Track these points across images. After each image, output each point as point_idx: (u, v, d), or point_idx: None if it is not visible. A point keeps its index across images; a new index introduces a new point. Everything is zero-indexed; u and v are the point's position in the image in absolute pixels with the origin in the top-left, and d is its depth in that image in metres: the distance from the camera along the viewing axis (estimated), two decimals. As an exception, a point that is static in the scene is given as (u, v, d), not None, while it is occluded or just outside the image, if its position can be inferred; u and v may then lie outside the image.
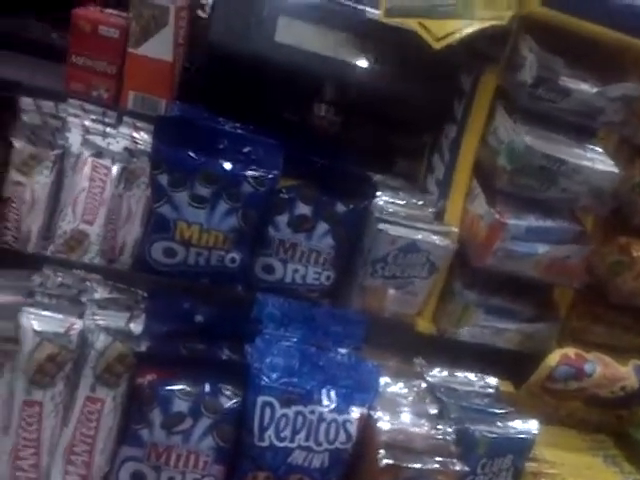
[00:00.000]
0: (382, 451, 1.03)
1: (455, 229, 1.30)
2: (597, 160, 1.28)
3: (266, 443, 1.05)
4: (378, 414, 1.09)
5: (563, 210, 1.32)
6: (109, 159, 1.21)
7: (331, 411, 1.07)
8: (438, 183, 1.38)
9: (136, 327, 1.08)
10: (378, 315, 1.30)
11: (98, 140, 1.22)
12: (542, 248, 1.27)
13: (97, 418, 1.04)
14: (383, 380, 1.16)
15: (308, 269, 1.26)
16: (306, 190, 1.25)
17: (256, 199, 1.20)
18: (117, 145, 1.22)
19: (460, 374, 1.25)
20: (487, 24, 1.19)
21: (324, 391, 1.08)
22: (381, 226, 1.25)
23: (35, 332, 1.02)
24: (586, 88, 1.24)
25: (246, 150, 1.21)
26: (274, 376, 1.07)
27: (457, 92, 1.37)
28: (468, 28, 1.19)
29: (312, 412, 1.06)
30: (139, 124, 1.26)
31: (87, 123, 1.23)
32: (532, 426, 1.15)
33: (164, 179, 1.17)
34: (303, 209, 1.24)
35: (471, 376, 1.25)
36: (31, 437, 1.02)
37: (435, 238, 1.27)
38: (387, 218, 1.26)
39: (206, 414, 1.04)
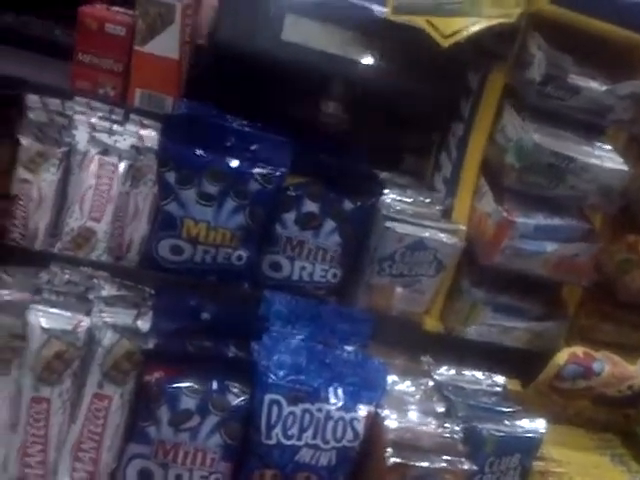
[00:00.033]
0: (390, 449, 1.03)
1: (463, 227, 1.30)
2: (606, 158, 1.28)
3: (273, 441, 1.04)
4: (385, 412, 1.08)
5: (571, 208, 1.32)
6: (116, 157, 1.21)
7: (338, 409, 1.07)
8: (445, 181, 1.37)
9: (143, 324, 1.08)
10: (385, 313, 1.30)
11: (105, 138, 1.21)
12: (550, 246, 1.26)
13: (104, 415, 1.04)
14: (390, 378, 1.16)
15: (315, 267, 1.26)
16: (313, 188, 1.24)
17: (263, 197, 1.19)
18: (124, 143, 1.22)
19: (467, 372, 1.25)
20: (495, 22, 1.18)
21: (331, 389, 1.08)
22: (388, 224, 1.24)
23: (43, 329, 1.02)
24: (595, 86, 1.23)
25: (253, 148, 1.20)
26: (281, 374, 1.07)
27: (464, 90, 1.36)
28: (476, 26, 1.19)
29: (319, 410, 1.06)
30: (146, 122, 1.26)
31: (94, 121, 1.23)
32: (540, 425, 1.15)
33: (171, 177, 1.17)
34: (310, 207, 1.24)
35: (478, 374, 1.25)
36: (39, 434, 1.02)
37: (442, 236, 1.26)
38: (394, 216, 1.26)
39: (214, 412, 1.04)
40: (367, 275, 1.29)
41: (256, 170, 1.19)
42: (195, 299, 1.14)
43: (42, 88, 1.23)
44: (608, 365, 1.27)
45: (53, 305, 1.05)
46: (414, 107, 1.36)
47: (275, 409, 1.05)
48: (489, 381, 1.24)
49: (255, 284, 1.24)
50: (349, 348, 1.17)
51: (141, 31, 1.28)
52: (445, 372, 1.24)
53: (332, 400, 1.07)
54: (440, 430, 1.09)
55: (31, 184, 1.17)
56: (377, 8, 1.31)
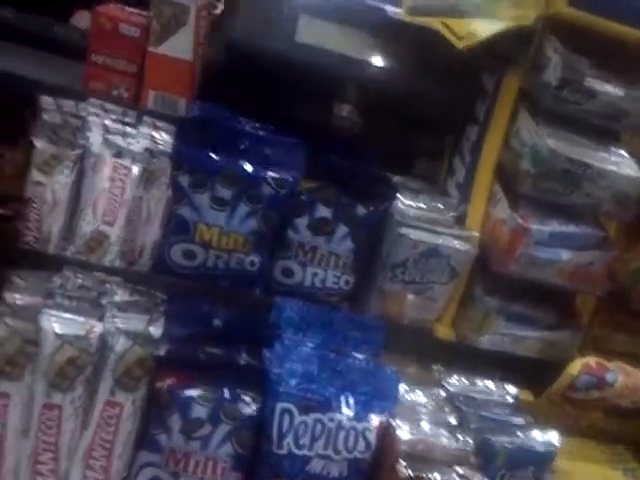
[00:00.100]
0: (402, 461, 1.03)
1: (476, 234, 1.28)
2: (622, 164, 1.26)
3: (284, 451, 1.04)
4: (397, 423, 1.08)
5: (586, 215, 1.31)
6: (129, 159, 1.20)
7: (350, 419, 1.06)
8: (459, 186, 1.36)
9: (155, 330, 1.08)
10: (397, 320, 1.29)
11: (119, 140, 1.20)
12: (565, 254, 1.25)
13: (116, 422, 1.04)
14: (402, 387, 1.15)
15: (327, 273, 1.25)
16: (326, 192, 1.24)
17: (276, 201, 1.19)
18: (137, 145, 1.21)
19: (479, 382, 1.24)
20: (512, 24, 1.17)
21: (343, 398, 1.08)
22: (402, 230, 1.23)
23: (56, 335, 1.02)
24: (612, 90, 1.22)
25: (267, 151, 1.20)
26: (293, 382, 1.06)
27: (479, 93, 1.35)
28: (492, 28, 1.17)
29: (331, 420, 1.06)
30: (159, 124, 1.25)
31: (107, 123, 1.22)
32: (553, 438, 1.14)
33: (185, 180, 1.16)
34: (323, 212, 1.23)
35: (490, 384, 1.24)
36: (50, 441, 1.02)
37: (456, 243, 1.25)
38: (408, 222, 1.25)
39: (225, 420, 1.04)
40: (379, 281, 1.28)
41: (269, 174, 1.18)
42: (207, 305, 1.14)
43: (56, 89, 1.22)
44: (621, 376, 1.26)
45: (66, 310, 1.05)
46: (428, 110, 1.35)
47: (287, 418, 1.05)
48: (501, 391, 1.23)
49: (267, 290, 1.24)
50: (361, 356, 1.17)
51: (155, 32, 1.27)
52: (456, 381, 1.23)
53: (344, 410, 1.06)
54: (452, 442, 1.08)
55: (45, 187, 1.16)
56: (392, 9, 1.30)
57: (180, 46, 1.28)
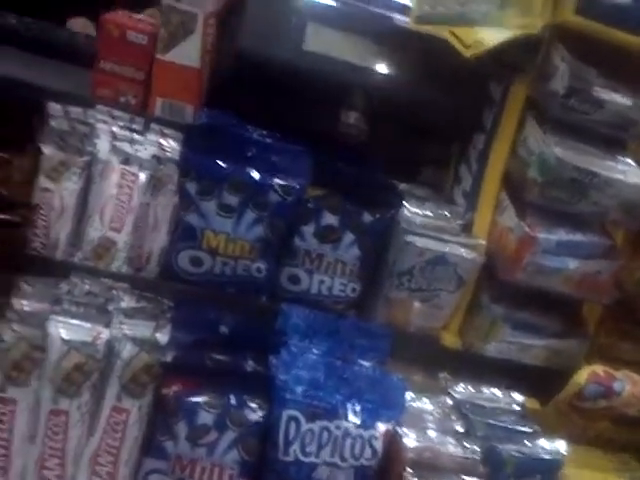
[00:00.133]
0: (409, 469, 1.02)
1: (483, 242, 1.28)
2: (629, 173, 1.26)
3: (291, 458, 1.04)
4: (404, 430, 1.08)
5: (593, 223, 1.31)
6: (137, 166, 1.20)
7: (357, 427, 1.06)
8: (465, 194, 1.36)
9: (162, 337, 1.08)
10: (403, 328, 1.29)
11: (126, 147, 1.21)
12: (572, 263, 1.25)
13: (122, 429, 1.04)
14: (408, 395, 1.15)
15: (334, 280, 1.25)
16: (333, 200, 1.24)
17: (283, 208, 1.19)
18: (145, 152, 1.21)
19: (486, 390, 1.24)
20: (519, 33, 1.17)
21: (349, 406, 1.08)
22: (409, 238, 1.23)
23: (63, 341, 1.02)
24: (620, 99, 1.22)
25: (274, 159, 1.20)
26: (299, 390, 1.06)
27: (486, 101, 1.35)
28: (499, 37, 1.18)
29: (338, 427, 1.05)
30: (166, 131, 1.25)
31: (115, 129, 1.22)
32: (560, 446, 1.14)
33: (192, 187, 1.16)
34: (330, 219, 1.23)
35: (497, 392, 1.24)
36: (57, 447, 1.02)
37: (463, 251, 1.25)
38: (414, 230, 1.25)
39: (231, 427, 1.04)
40: (385, 289, 1.28)
41: (276, 181, 1.18)
42: (213, 312, 1.14)
43: (64, 96, 1.23)
44: (629, 385, 1.26)
45: (73, 316, 1.05)
46: (434, 118, 1.35)
47: (293, 425, 1.04)
48: (507, 399, 1.23)
49: (273, 297, 1.24)
50: (367, 363, 1.17)
51: (163, 39, 1.28)
52: (463, 389, 1.23)
53: (350, 417, 1.06)
54: (459, 450, 1.08)
55: (53, 193, 1.17)
56: (399, 18, 1.30)
57: (188, 53, 1.28)
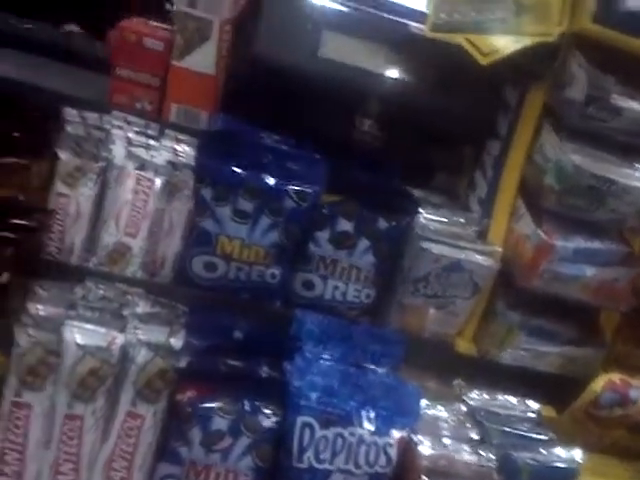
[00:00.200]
0: (424, 477, 1.02)
1: (499, 249, 1.28)
2: (647, 180, 1.25)
3: (305, 465, 1.04)
4: (419, 438, 1.07)
5: (611, 231, 1.30)
6: (152, 172, 1.21)
7: (371, 434, 1.06)
8: (480, 201, 1.36)
9: (176, 342, 1.08)
10: (417, 334, 1.29)
11: (142, 152, 1.21)
12: (590, 270, 1.24)
13: (137, 434, 1.04)
14: (423, 402, 1.14)
15: (349, 286, 1.25)
16: (348, 206, 1.24)
17: (298, 214, 1.19)
18: (160, 158, 1.22)
19: (500, 397, 1.23)
20: (535, 40, 1.17)
21: (364, 413, 1.07)
22: (424, 244, 1.23)
23: (78, 346, 1.03)
24: (637, 106, 1.21)
25: (289, 165, 1.20)
26: (314, 396, 1.06)
27: (502, 108, 1.34)
28: (516, 44, 1.18)
29: (352, 434, 1.05)
30: (181, 137, 1.26)
31: (131, 135, 1.23)
32: (576, 455, 1.13)
33: (208, 193, 1.17)
34: (345, 225, 1.23)
35: (512, 399, 1.23)
36: (71, 452, 1.02)
37: (479, 258, 1.25)
38: (430, 236, 1.25)
39: (246, 433, 1.04)
40: (400, 295, 1.28)
41: (291, 187, 1.18)
42: (227, 317, 1.14)
43: (80, 102, 1.24)
44: (645, 393, 1.25)
45: (88, 321, 1.06)
46: (450, 125, 1.34)
47: (307, 432, 1.04)
48: (523, 407, 1.22)
49: (287, 303, 1.24)
50: (381, 369, 1.16)
51: (179, 46, 1.28)
52: (477, 396, 1.22)
53: (365, 424, 1.06)
54: (474, 458, 1.07)
55: (69, 198, 1.17)
56: (415, 25, 1.30)
57: (203, 60, 1.29)
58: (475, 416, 1.17)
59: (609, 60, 1.19)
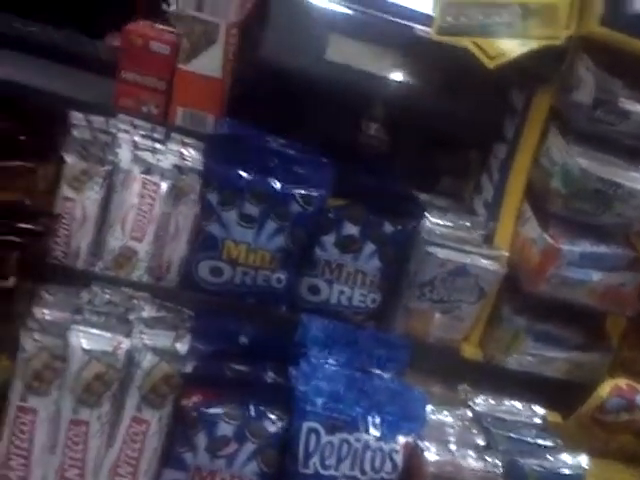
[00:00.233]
0: (431, 483, 1.02)
1: (505, 253, 1.27)
2: (653, 184, 1.25)
3: (311, 470, 1.04)
4: (425, 444, 1.07)
5: (617, 235, 1.29)
6: (158, 176, 1.20)
7: (377, 439, 1.06)
8: (486, 204, 1.35)
9: (182, 347, 1.08)
10: (423, 339, 1.28)
11: (148, 156, 1.21)
12: (596, 275, 1.24)
13: (142, 439, 1.04)
14: (428, 407, 1.14)
15: (354, 291, 1.24)
16: (354, 210, 1.23)
17: (304, 219, 1.19)
18: (166, 162, 1.21)
19: (506, 402, 1.23)
20: (542, 44, 1.16)
21: (369, 418, 1.07)
22: (430, 249, 1.23)
23: (84, 350, 1.03)
24: (645, 110, 1.20)
25: (295, 169, 1.20)
26: (320, 401, 1.06)
27: (508, 111, 1.34)
28: (523, 48, 1.17)
29: (358, 440, 1.05)
30: (187, 140, 1.26)
31: (137, 139, 1.23)
32: (582, 461, 1.12)
33: (214, 197, 1.17)
34: (351, 229, 1.23)
35: (517, 405, 1.23)
36: (77, 457, 1.02)
37: (485, 262, 1.24)
38: (436, 240, 1.24)
39: (251, 439, 1.04)
40: (405, 299, 1.28)
41: (297, 192, 1.18)
42: (233, 322, 1.14)
43: (86, 105, 1.23)
44: (651, 398, 1.24)
45: (94, 326, 1.06)
46: (456, 128, 1.34)
47: (313, 438, 1.04)
48: (528, 412, 1.22)
49: (293, 307, 1.24)
50: (386, 374, 1.16)
51: (185, 49, 1.28)
52: (483, 402, 1.22)
53: (371, 430, 1.06)
54: (481, 464, 1.07)
55: (75, 202, 1.17)
56: (421, 28, 1.29)
57: (209, 64, 1.28)
58: (481, 422, 1.17)
59: (617, 63, 1.19)
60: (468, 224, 1.31)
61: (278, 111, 1.26)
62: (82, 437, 1.02)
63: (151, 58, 1.29)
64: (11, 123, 1.27)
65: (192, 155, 1.24)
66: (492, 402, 1.22)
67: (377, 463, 1.05)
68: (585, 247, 1.24)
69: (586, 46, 1.20)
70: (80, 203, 1.18)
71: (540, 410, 1.23)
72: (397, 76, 1.29)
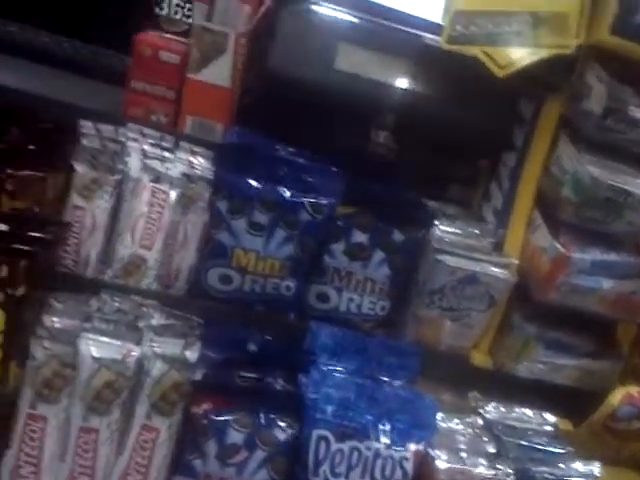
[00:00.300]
0: (442, 492, 1.01)
1: (515, 261, 1.27)
2: (663, 192, 1.24)
3: (321, 478, 1.03)
4: (435, 452, 1.06)
5: (627, 243, 1.28)
6: (167, 184, 1.21)
7: (387, 447, 1.05)
8: (496, 212, 1.35)
9: (191, 355, 1.08)
10: (433, 347, 1.28)
11: (157, 165, 1.22)
12: (607, 283, 1.23)
13: (151, 447, 1.04)
14: (439, 415, 1.13)
15: (363, 298, 1.24)
16: (363, 218, 1.23)
17: (313, 227, 1.19)
18: (175, 170, 1.22)
19: (517, 410, 1.22)
20: (552, 53, 1.17)
21: (380, 426, 1.07)
22: (440, 257, 1.23)
23: (94, 359, 1.03)
24: (655, 119, 1.20)
25: (304, 177, 1.20)
26: (330, 409, 1.06)
27: (517, 119, 1.34)
28: (533, 56, 1.17)
29: (368, 448, 1.04)
30: (196, 149, 1.26)
31: (146, 147, 1.23)
32: (594, 468, 1.11)
33: (224, 205, 1.17)
34: (360, 237, 1.23)
35: (528, 412, 1.23)
36: (86, 464, 1.02)
37: (495, 270, 1.24)
38: (445, 248, 1.24)
39: (261, 446, 1.03)
40: (415, 307, 1.27)
41: (306, 200, 1.18)
42: (242, 330, 1.14)
43: (96, 114, 1.24)
44: (663, 406, 1.23)
45: (103, 334, 1.06)
46: (466, 137, 1.34)
47: (323, 445, 1.04)
48: (539, 420, 1.22)
49: (302, 315, 1.24)
50: (396, 382, 1.16)
51: (195, 59, 1.28)
52: (494, 409, 1.21)
53: (381, 438, 1.06)
54: (492, 472, 1.06)
55: (84, 211, 1.18)
56: (431, 37, 1.30)
57: (219, 73, 1.29)
58: (492, 429, 1.16)
59: (627, 72, 1.19)
60: (477, 232, 1.31)
61: (287, 120, 1.26)
62: (92, 445, 1.02)
63: (161, 67, 1.29)
64: (21, 132, 1.28)
65: (201, 163, 1.24)
66: (503, 410, 1.22)
67: (387, 471, 1.05)
68: (596, 255, 1.24)
69: (596, 55, 1.20)
70: (90, 212, 1.18)
71: (551, 418, 1.22)
72: (406, 85, 1.29)
